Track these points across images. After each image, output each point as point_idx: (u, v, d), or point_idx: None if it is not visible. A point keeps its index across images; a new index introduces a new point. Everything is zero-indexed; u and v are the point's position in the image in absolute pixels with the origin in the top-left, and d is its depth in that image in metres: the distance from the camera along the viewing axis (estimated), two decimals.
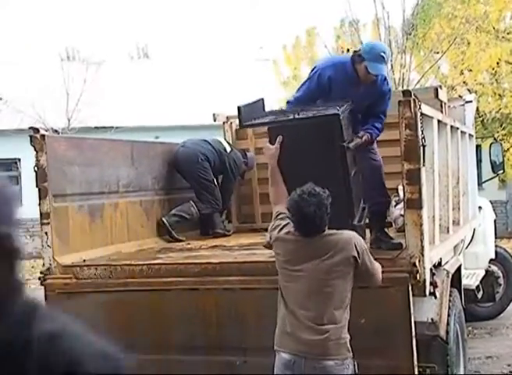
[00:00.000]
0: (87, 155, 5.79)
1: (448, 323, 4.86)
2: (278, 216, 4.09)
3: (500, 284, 8.91)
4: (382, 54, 4.92)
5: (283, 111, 4.98)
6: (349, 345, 3.75)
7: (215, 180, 7.14)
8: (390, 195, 5.17)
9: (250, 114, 4.77)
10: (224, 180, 7.34)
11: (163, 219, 6.55)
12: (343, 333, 3.76)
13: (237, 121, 7.96)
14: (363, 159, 4.98)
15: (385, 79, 5.17)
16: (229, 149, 7.34)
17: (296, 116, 4.48)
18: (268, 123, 4.63)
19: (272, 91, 19.23)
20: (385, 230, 5.15)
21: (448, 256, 5.60)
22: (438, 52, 17.80)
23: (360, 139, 4.85)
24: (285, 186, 4.29)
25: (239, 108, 4.63)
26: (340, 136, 4.44)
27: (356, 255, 3.79)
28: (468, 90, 17.07)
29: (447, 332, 4.81)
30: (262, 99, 5.07)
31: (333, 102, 4.75)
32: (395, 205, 6.04)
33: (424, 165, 4.40)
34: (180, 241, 6.49)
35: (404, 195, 4.39)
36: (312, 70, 5.22)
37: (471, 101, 7.70)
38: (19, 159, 19.51)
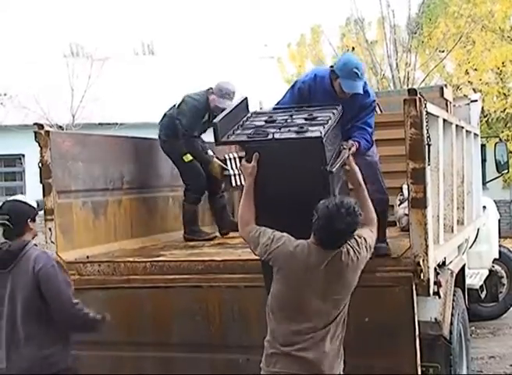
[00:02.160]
0: (92, 152, 5.79)
1: (451, 323, 4.85)
2: (264, 231, 3.86)
3: (504, 284, 8.90)
4: (355, 70, 4.69)
5: (269, 113, 4.71)
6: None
7: None
8: (387, 193, 5.05)
9: (230, 123, 4.44)
10: None
11: None
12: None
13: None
14: (356, 158, 4.87)
15: (367, 91, 4.90)
16: None
17: (276, 137, 4.14)
18: (245, 142, 4.23)
19: (276, 88, 19.26)
20: (383, 231, 4.98)
21: (452, 256, 5.59)
22: (443, 51, 17.79)
23: (346, 153, 4.44)
24: (256, 205, 4.04)
25: (214, 124, 4.28)
26: (323, 159, 4.10)
27: (364, 260, 3.81)
28: (473, 89, 17.05)
29: (450, 332, 4.80)
30: (246, 99, 4.79)
31: (328, 105, 4.58)
32: (399, 204, 6.03)
33: (429, 164, 4.38)
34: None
35: (409, 194, 4.37)
36: (293, 83, 5.10)
37: (476, 101, 7.68)
38: (24, 155, 19.51)
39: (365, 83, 4.92)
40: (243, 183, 5.23)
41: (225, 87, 6.40)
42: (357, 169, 4.25)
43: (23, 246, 3.95)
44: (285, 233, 3.82)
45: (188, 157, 6.36)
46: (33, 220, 4.10)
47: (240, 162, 5.19)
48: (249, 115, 4.64)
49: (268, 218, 3.98)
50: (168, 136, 6.41)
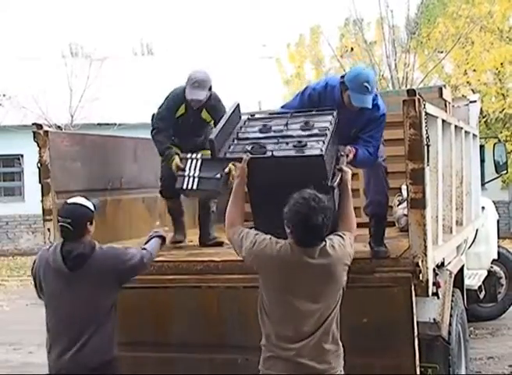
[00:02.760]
0: (90, 152, 5.78)
1: (450, 324, 4.85)
2: (247, 233, 3.84)
3: (502, 285, 8.91)
4: (366, 84, 4.63)
5: (263, 119, 4.62)
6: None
7: None
8: (388, 197, 5.05)
9: (225, 134, 4.38)
10: None
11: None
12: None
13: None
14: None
15: (376, 104, 4.85)
16: None
17: (275, 154, 4.08)
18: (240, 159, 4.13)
19: (275, 88, 19.26)
20: (382, 233, 4.94)
21: (451, 256, 5.59)
22: (442, 52, 17.80)
23: (344, 161, 4.45)
24: (254, 220, 4.06)
25: (211, 141, 4.22)
26: (323, 174, 4.07)
27: (350, 258, 3.82)
28: (472, 90, 17.06)
29: (449, 332, 4.80)
30: (238, 105, 4.74)
31: (324, 110, 4.55)
32: (398, 205, 6.02)
33: (428, 164, 4.38)
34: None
35: (408, 195, 4.37)
36: (304, 89, 5.05)
37: (475, 101, 7.68)
38: (22, 155, 19.52)
39: (376, 95, 4.88)
40: (194, 187, 5.24)
41: (194, 76, 5.82)
42: (349, 177, 4.25)
43: (92, 248, 4.17)
44: (268, 236, 3.78)
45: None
46: (92, 223, 4.28)
47: (202, 164, 5.22)
48: (242, 123, 4.56)
49: (267, 232, 3.89)
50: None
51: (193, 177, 5.32)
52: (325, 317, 3.66)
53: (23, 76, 19.97)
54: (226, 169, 5.26)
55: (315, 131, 4.29)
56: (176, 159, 5.57)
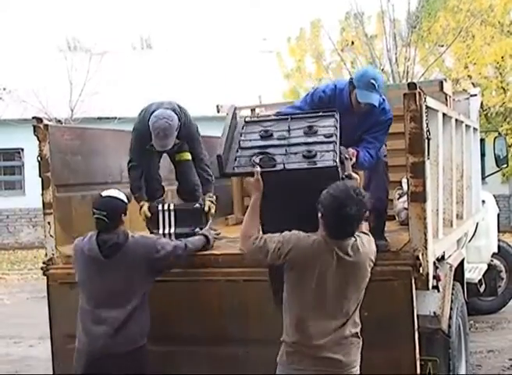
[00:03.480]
0: (90, 145, 5.78)
1: (450, 317, 4.85)
2: (269, 237, 3.77)
3: (502, 278, 8.92)
4: (373, 81, 4.66)
5: (262, 123, 4.45)
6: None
7: None
8: (388, 191, 5.06)
9: (228, 144, 4.22)
10: None
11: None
12: None
13: (241, 113, 8.02)
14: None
15: (384, 109, 4.89)
16: None
17: (287, 167, 3.97)
18: (251, 174, 3.96)
19: (275, 82, 19.23)
20: (382, 227, 4.96)
21: (451, 250, 5.59)
22: (442, 45, 17.77)
23: (349, 164, 4.39)
24: (264, 231, 3.94)
25: (219, 156, 4.06)
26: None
27: (375, 254, 3.84)
28: (473, 83, 17.05)
29: (449, 326, 4.81)
30: (235, 108, 4.55)
31: (325, 112, 4.41)
32: (398, 198, 6.02)
33: (428, 158, 4.38)
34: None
35: (408, 188, 4.37)
36: (314, 91, 5.05)
37: (475, 95, 7.66)
38: (23, 149, 19.52)
39: (384, 100, 4.90)
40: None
41: (157, 125, 5.23)
42: (357, 183, 4.15)
43: (126, 238, 4.41)
44: (292, 232, 3.73)
45: None
46: (125, 214, 4.51)
47: (176, 217, 5.17)
48: (241, 128, 4.41)
49: None
50: None
51: (169, 235, 5.18)
52: (352, 311, 3.68)
53: (23, 70, 19.96)
54: (206, 208, 5.35)
55: (321, 138, 4.19)
56: (145, 208, 5.43)
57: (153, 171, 5.83)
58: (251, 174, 3.95)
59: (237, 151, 4.19)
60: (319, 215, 3.65)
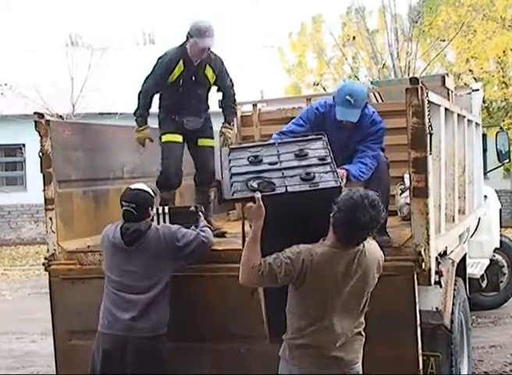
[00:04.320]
0: (92, 141, 5.77)
1: (452, 312, 4.85)
2: (273, 258, 3.57)
3: (505, 274, 8.92)
4: (348, 97, 4.64)
5: (247, 149, 4.26)
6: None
7: None
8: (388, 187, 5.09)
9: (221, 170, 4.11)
10: None
11: None
12: None
13: (243, 108, 8.02)
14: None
15: (374, 120, 4.89)
16: None
17: (289, 190, 3.80)
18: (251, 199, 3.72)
19: (277, 78, 19.21)
20: (384, 223, 5.00)
21: (453, 245, 5.58)
22: (444, 40, 17.74)
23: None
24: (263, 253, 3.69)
25: (218, 181, 4.00)
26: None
27: (383, 258, 3.82)
28: (474, 78, 17.02)
29: (452, 321, 4.80)
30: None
31: (311, 136, 4.32)
32: (400, 194, 6.02)
33: (430, 153, 4.37)
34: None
35: (410, 184, 4.37)
36: (306, 110, 5.12)
37: (477, 90, 7.65)
38: (24, 145, 19.51)
39: (373, 112, 4.95)
40: None
41: (201, 25, 5.59)
42: None
43: (148, 226, 4.55)
44: (294, 247, 3.61)
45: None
46: (152, 208, 4.68)
47: (171, 219, 4.95)
48: (227, 155, 4.21)
49: None
50: None
51: None
52: (360, 312, 3.68)
53: (24, 66, 19.94)
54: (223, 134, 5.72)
55: (315, 160, 4.08)
56: (147, 131, 5.70)
57: (179, 161, 5.81)
58: (252, 199, 3.70)
59: (231, 177, 4.00)
60: (331, 221, 3.56)
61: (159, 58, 5.83)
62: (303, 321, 3.63)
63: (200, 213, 4.99)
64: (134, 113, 5.89)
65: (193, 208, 5.05)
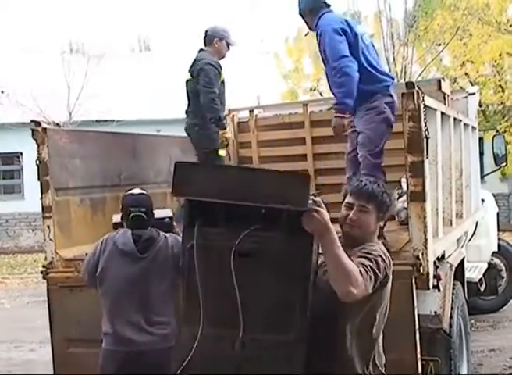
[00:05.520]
0: (89, 149, 5.77)
1: (451, 316, 4.85)
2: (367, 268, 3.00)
3: (503, 277, 8.91)
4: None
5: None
6: None
7: None
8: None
9: None
10: None
11: None
12: None
13: (239, 114, 8.03)
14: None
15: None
16: None
17: None
18: None
19: (273, 83, 19.23)
20: None
21: (451, 249, 5.59)
22: (440, 44, 17.77)
23: None
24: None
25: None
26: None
27: None
28: (471, 82, 17.05)
29: (450, 325, 4.80)
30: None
31: None
32: (398, 198, 6.02)
33: (427, 157, 4.38)
34: None
35: (408, 188, 4.37)
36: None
37: (473, 94, 7.66)
38: (21, 153, 19.50)
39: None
40: None
41: (225, 28, 6.52)
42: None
43: (158, 234, 4.32)
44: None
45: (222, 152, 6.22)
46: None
47: None
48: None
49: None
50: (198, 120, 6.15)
51: None
52: None
53: (20, 74, 19.95)
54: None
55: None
56: (228, 132, 6.05)
57: None
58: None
59: None
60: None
61: (206, 64, 6.14)
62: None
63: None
64: (220, 118, 6.06)
65: (167, 219, 4.93)
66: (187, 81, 6.27)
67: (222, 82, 6.21)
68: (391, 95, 5.22)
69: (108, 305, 4.30)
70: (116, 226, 4.56)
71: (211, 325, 3.08)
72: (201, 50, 6.30)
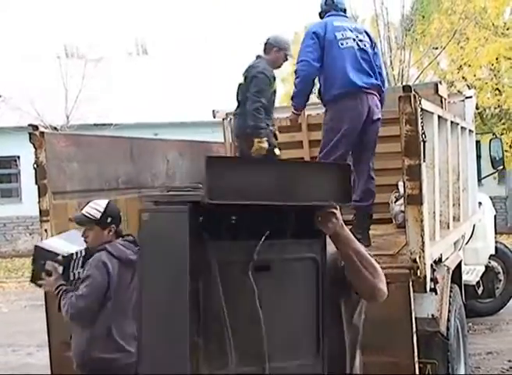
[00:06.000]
0: (86, 152, 5.77)
1: (448, 319, 4.85)
2: None
3: (500, 280, 8.91)
4: None
5: None
6: None
7: None
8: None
9: None
10: None
11: None
12: None
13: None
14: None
15: None
16: None
17: None
18: None
19: None
20: (367, 231, 5.13)
21: (448, 252, 5.59)
22: (437, 48, 17.80)
23: None
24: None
25: None
26: None
27: None
28: (468, 85, 17.08)
29: (448, 328, 4.80)
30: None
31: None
32: (395, 201, 6.03)
33: (424, 160, 4.38)
34: None
35: (405, 191, 4.38)
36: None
37: (470, 97, 7.68)
38: (19, 157, 19.51)
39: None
40: None
41: (286, 39, 6.76)
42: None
43: None
44: None
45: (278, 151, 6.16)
46: None
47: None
48: None
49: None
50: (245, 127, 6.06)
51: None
52: None
53: (18, 78, 19.94)
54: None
55: None
56: (266, 144, 5.85)
57: None
58: None
59: None
60: None
61: (260, 73, 6.17)
62: None
63: None
64: (258, 127, 5.92)
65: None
66: (240, 85, 6.30)
67: (274, 91, 6.29)
68: (359, 98, 5.35)
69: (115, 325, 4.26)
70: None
71: (237, 359, 2.42)
72: (259, 56, 6.38)
